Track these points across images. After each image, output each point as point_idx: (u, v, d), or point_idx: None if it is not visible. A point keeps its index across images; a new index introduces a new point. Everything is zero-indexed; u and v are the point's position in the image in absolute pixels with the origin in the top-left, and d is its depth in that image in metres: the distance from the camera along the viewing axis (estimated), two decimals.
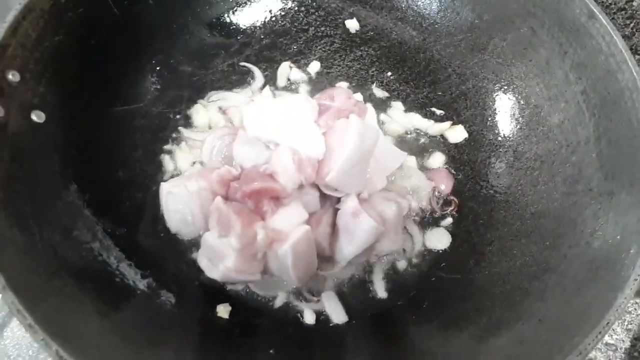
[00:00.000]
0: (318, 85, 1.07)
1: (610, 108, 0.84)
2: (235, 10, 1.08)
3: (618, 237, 0.74)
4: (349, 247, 0.83)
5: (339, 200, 0.85)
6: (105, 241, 0.81)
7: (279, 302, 0.85)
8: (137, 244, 0.85)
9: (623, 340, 0.97)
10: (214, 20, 1.07)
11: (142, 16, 0.98)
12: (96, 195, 0.84)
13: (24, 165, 0.74)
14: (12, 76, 0.76)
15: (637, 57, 1.22)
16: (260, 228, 0.76)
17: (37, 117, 0.79)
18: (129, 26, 0.96)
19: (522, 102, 0.99)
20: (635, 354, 0.96)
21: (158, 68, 1.01)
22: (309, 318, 0.83)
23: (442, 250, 0.92)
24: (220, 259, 0.76)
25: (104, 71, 0.92)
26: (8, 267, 0.63)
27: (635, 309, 1.03)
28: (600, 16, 0.87)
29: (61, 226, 0.77)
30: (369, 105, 0.99)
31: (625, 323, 1.02)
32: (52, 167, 0.80)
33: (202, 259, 0.81)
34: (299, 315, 0.84)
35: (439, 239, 0.93)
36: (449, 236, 0.93)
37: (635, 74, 0.82)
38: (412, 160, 0.99)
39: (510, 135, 0.99)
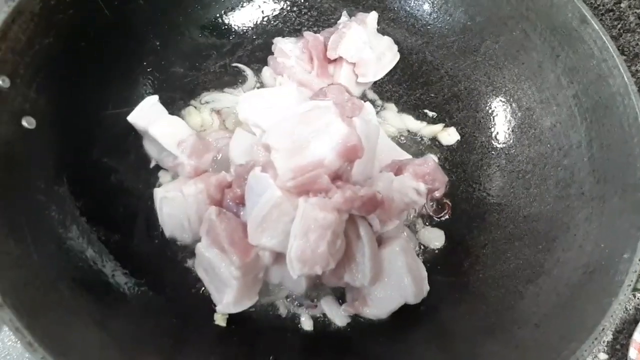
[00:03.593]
0: None
1: (601, 112, 0.86)
2: (229, 12, 1.06)
3: (611, 241, 0.76)
4: None
5: None
6: (100, 250, 0.80)
7: (276, 309, 0.85)
8: (132, 251, 0.83)
9: None
10: (206, 21, 1.05)
11: (133, 17, 0.95)
12: (90, 201, 0.83)
13: (15, 174, 0.72)
14: (2, 82, 0.73)
15: (623, 57, 1.24)
16: (261, 250, 0.75)
17: (27, 123, 0.77)
18: (120, 27, 0.93)
19: (514, 104, 1.00)
20: None
21: (149, 69, 0.99)
22: (307, 324, 0.84)
23: (437, 250, 0.93)
24: (220, 286, 0.76)
25: (95, 74, 0.90)
26: (4, 281, 0.62)
27: None
28: (593, 21, 0.88)
29: (56, 235, 0.75)
30: (367, 103, 0.98)
31: None
32: (45, 174, 0.78)
33: (199, 269, 0.81)
34: (296, 321, 0.84)
35: (434, 238, 0.94)
36: (444, 235, 0.94)
37: (626, 79, 0.83)
38: None
39: (503, 138, 1.00)
